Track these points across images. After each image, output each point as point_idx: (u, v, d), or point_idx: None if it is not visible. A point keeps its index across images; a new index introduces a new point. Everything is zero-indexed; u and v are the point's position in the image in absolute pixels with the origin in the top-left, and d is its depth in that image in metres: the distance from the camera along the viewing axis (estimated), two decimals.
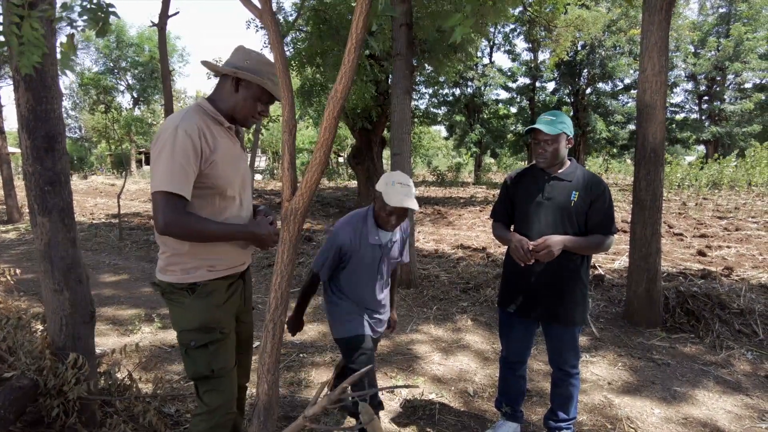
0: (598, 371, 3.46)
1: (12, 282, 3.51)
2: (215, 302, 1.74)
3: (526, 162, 28.03)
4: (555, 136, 2.23)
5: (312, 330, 4.22)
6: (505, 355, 2.60)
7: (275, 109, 21.53)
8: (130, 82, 34.98)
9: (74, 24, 1.71)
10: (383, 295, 2.46)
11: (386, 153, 20.05)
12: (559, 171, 2.32)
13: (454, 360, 3.64)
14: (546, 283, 2.32)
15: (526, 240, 2.26)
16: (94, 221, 10.96)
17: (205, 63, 1.77)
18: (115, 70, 34.70)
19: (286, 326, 2.15)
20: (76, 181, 25.88)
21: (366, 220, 2.30)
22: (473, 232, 9.92)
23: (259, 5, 1.16)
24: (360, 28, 1.03)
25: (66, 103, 37.92)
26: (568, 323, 2.35)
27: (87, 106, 36.73)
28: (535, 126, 2.23)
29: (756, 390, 3.18)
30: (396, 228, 2.31)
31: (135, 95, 35.27)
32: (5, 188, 10.61)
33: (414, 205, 2.15)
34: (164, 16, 7.52)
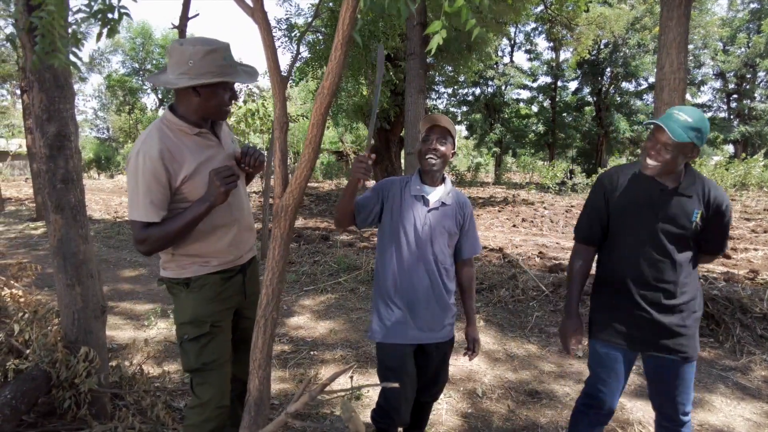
0: None
1: (34, 277, 3.63)
2: (207, 296, 1.78)
3: (547, 162, 27.64)
4: (678, 143, 1.70)
5: (323, 327, 4.25)
6: (593, 403, 2.03)
7: (296, 109, 21.71)
8: None
9: (79, 23, 1.75)
10: (438, 286, 2.03)
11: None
12: (677, 183, 1.82)
13: (464, 360, 3.62)
14: (659, 307, 1.87)
15: (576, 342, 1.97)
16: (118, 219, 11.23)
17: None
18: (141, 72, 35.53)
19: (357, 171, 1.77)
20: (102, 180, 26.56)
21: (409, 179, 2.06)
22: (491, 232, 9.84)
23: (251, 4, 1.17)
24: (347, 26, 1.03)
25: (94, 104, 39.02)
26: (689, 356, 1.88)
27: (114, 107, 37.71)
28: (656, 122, 1.74)
29: None
30: (437, 158, 1.96)
31: (160, 96, 36.03)
32: (35, 185, 10.93)
33: (446, 123, 1.96)
34: (184, 18, 7.69)
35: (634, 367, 3.44)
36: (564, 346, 2.02)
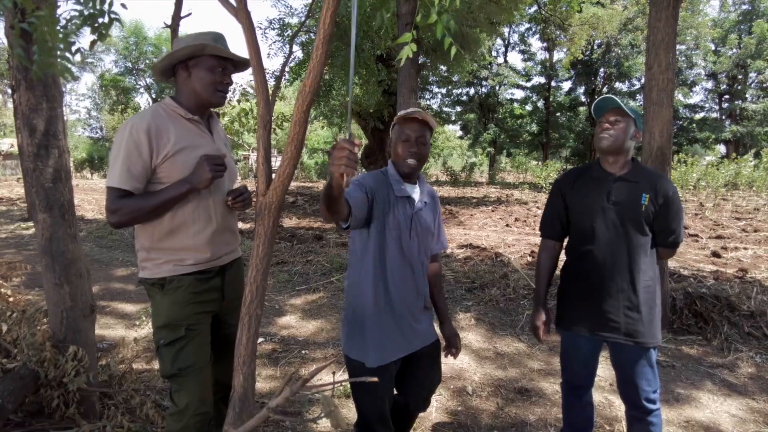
0: (599, 371, 3.42)
1: (23, 277, 3.62)
2: (181, 298, 1.74)
3: (541, 162, 27.76)
4: (627, 115, 1.93)
5: (314, 326, 4.26)
6: (567, 379, 2.26)
7: (291, 108, 21.68)
8: (148, 82, 35.61)
9: (69, 27, 1.75)
10: (422, 289, 1.93)
11: None
12: (625, 171, 1.99)
13: (453, 358, 3.63)
14: (623, 294, 1.97)
15: (545, 331, 2.14)
16: None
17: (153, 67, 1.83)
18: (134, 71, 35.36)
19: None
20: (96, 180, 26.42)
21: (386, 174, 1.86)
22: (484, 231, 9.87)
23: (234, 4, 1.18)
24: (327, 25, 1.04)
25: (87, 104, 38.83)
26: (643, 341, 1.96)
27: (107, 106, 37.51)
28: (608, 96, 1.96)
29: (762, 394, 3.12)
30: (417, 161, 1.82)
31: (153, 95, 35.86)
32: (26, 185, 10.86)
33: (425, 116, 1.79)
34: (177, 17, 7.67)
35: None
36: (535, 335, 2.19)
